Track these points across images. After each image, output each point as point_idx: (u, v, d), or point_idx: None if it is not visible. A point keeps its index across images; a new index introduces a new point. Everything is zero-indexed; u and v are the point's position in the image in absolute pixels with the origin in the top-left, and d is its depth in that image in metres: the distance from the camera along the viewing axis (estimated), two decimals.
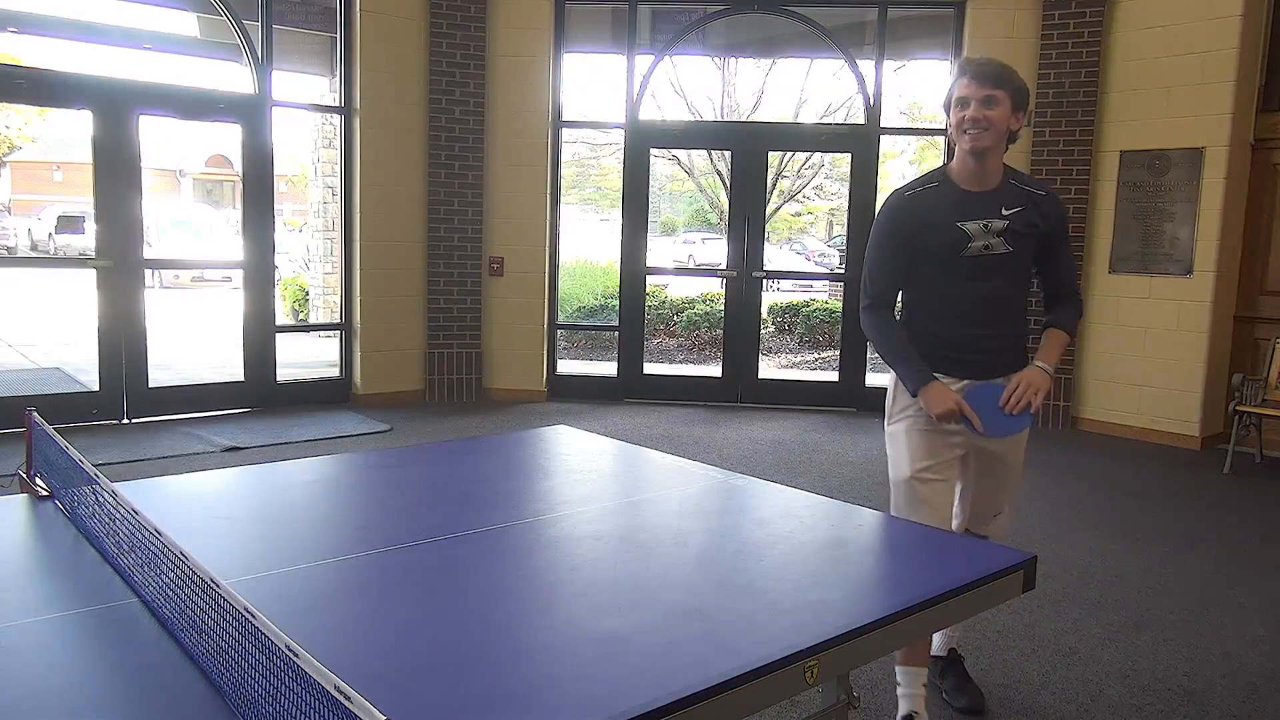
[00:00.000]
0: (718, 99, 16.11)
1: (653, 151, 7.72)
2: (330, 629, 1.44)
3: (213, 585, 1.26)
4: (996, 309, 2.46)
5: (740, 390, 7.45)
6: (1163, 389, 6.40)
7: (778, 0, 7.11)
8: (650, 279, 7.67)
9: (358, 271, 6.87)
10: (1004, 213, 2.41)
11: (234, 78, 6.60)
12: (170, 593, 1.40)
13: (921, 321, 2.51)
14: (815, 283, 16.37)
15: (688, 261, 19.14)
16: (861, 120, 7.31)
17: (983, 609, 1.86)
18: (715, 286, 12.39)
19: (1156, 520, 4.63)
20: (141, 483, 2.26)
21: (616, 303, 8.13)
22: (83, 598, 1.53)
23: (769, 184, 10.80)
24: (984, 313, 2.45)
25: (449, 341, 7.13)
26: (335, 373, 7.13)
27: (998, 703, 2.72)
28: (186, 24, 7.61)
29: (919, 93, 16.96)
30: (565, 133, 7.67)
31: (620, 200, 7.45)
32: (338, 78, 6.98)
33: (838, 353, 7.88)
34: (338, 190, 7.12)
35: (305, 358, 8.40)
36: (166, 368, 7.47)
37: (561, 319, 8.69)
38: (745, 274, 7.38)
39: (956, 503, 2.65)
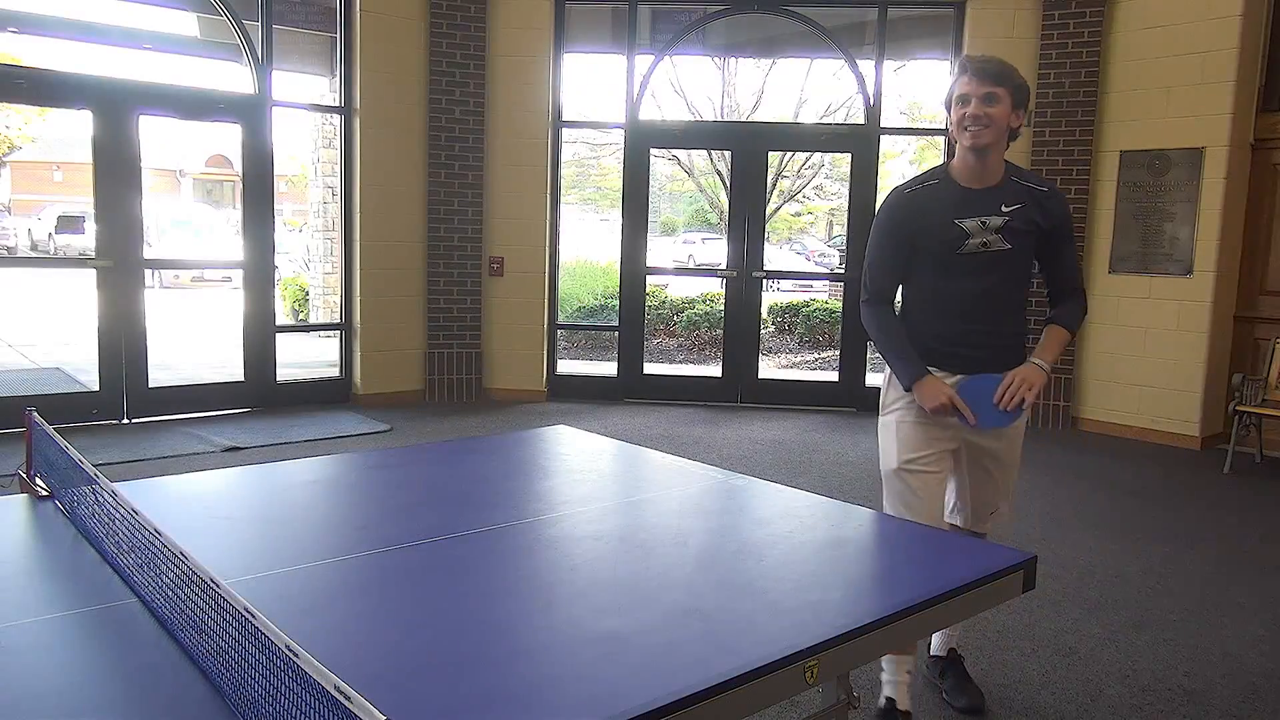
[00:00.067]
0: (718, 99, 16.10)
1: (653, 151, 7.72)
2: (330, 629, 1.44)
3: (213, 585, 1.26)
4: (995, 305, 2.47)
5: (740, 390, 7.45)
6: (1163, 389, 6.40)
7: (778, 0, 7.12)
8: (650, 279, 7.67)
9: (358, 271, 6.87)
10: (1003, 210, 2.41)
11: (234, 78, 6.61)
12: (170, 593, 1.40)
13: (921, 317, 2.53)
14: (815, 283, 16.37)
15: (688, 261, 19.14)
16: (861, 120, 7.31)
17: (983, 609, 1.86)
18: (715, 286, 12.39)
19: (1156, 520, 4.62)
20: (141, 483, 2.26)
21: (616, 303, 8.13)
22: (82, 598, 1.53)
23: (769, 184, 10.79)
24: (982, 309, 2.46)
25: (449, 341, 7.12)
26: (335, 373, 7.13)
27: (998, 703, 2.72)
28: (186, 24, 7.61)
29: (919, 93, 16.98)
30: (565, 133, 7.67)
31: (620, 200, 7.44)
32: (338, 78, 6.98)
33: (838, 353, 7.88)
34: (338, 190, 7.12)
35: (305, 358, 8.40)
36: (166, 368, 7.47)
37: (561, 319, 8.69)
38: (745, 274, 7.38)
39: (955, 499, 2.66)
